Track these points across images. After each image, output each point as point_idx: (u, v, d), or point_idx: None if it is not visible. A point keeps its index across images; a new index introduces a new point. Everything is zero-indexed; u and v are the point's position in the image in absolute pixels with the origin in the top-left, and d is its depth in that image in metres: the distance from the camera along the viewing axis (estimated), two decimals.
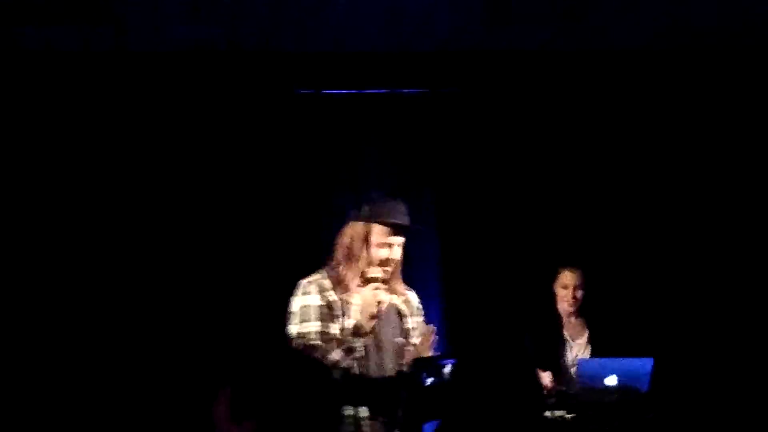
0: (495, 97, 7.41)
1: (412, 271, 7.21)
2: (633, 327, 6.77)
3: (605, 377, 5.92)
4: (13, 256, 6.96)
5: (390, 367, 5.01)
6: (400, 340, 5.08)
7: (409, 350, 5.06)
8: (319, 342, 4.82)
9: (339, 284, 4.95)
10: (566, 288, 6.59)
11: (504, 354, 3.51)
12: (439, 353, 5.02)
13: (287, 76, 7.21)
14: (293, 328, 4.91)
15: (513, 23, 6.65)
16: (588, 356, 6.57)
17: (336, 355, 4.79)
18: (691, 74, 7.39)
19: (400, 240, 4.98)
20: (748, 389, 7.11)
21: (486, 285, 7.31)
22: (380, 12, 6.41)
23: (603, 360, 6.09)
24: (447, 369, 4.72)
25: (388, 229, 4.93)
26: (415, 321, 5.17)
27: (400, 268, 5.07)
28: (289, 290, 5.03)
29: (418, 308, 5.20)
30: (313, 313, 4.89)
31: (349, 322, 4.90)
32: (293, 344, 4.81)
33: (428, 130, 7.40)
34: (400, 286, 5.11)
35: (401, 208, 4.99)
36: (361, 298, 4.88)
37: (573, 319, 6.65)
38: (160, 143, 7.16)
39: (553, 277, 6.68)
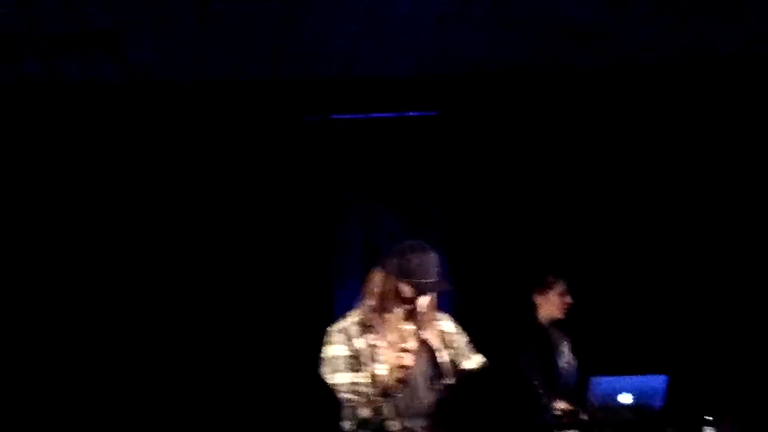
0: (499, 118, 7.46)
1: None
2: (612, 336, 6.88)
3: (618, 395, 5.90)
4: None
5: (424, 402, 4.97)
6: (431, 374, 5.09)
7: (442, 385, 5.06)
8: (350, 396, 4.84)
9: (369, 329, 4.94)
10: (563, 295, 6.62)
11: (505, 375, 3.51)
12: None
13: (294, 103, 7.25)
14: (326, 376, 4.93)
15: (513, 43, 6.69)
16: (574, 362, 6.58)
17: (366, 413, 4.83)
18: (672, 90, 7.40)
19: (430, 295, 4.96)
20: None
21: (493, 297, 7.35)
22: (386, 36, 6.44)
23: (616, 378, 6.06)
24: None
25: (420, 290, 4.89)
26: (453, 350, 5.11)
27: (434, 305, 5.04)
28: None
29: (454, 333, 5.12)
30: (342, 364, 4.89)
31: (379, 368, 4.91)
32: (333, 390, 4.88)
33: (435, 153, 7.45)
34: (433, 319, 5.09)
35: (432, 264, 4.93)
36: (387, 361, 4.88)
37: (553, 327, 6.68)
38: (170, 174, 7.23)
39: (534, 287, 6.70)
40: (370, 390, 4.86)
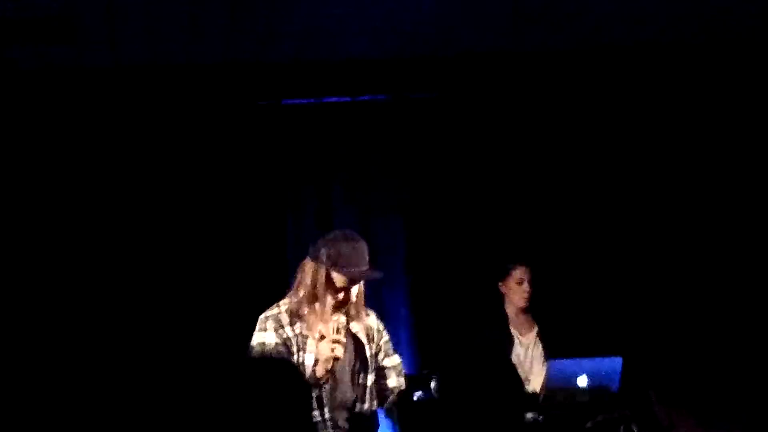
0: (453, 101, 7.45)
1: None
2: (581, 321, 6.91)
3: (576, 377, 5.94)
4: None
5: (347, 394, 5.05)
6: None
7: (367, 378, 5.12)
8: None
9: (299, 318, 4.98)
10: (521, 283, 6.66)
11: (488, 361, 3.56)
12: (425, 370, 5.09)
13: (248, 88, 7.19)
14: None
15: (470, 25, 6.68)
16: (540, 352, 6.61)
17: None
18: (656, 71, 7.41)
19: (358, 284, 5.01)
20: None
21: (451, 288, 7.35)
22: (341, 20, 6.41)
23: (573, 360, 6.10)
24: (433, 384, 4.78)
25: (348, 279, 4.93)
26: (376, 345, 5.18)
27: (362, 296, 5.09)
28: (254, 310, 5.09)
29: (378, 330, 5.19)
30: (270, 352, 4.92)
31: (307, 358, 4.93)
32: None
33: (392, 136, 7.44)
34: (361, 313, 5.12)
35: (363, 253, 4.97)
36: (318, 350, 4.91)
37: (520, 315, 6.71)
38: (122, 161, 7.15)
39: (499, 276, 6.72)
40: None
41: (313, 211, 7.30)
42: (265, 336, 4.95)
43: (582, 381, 5.96)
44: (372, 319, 5.19)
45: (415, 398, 5.57)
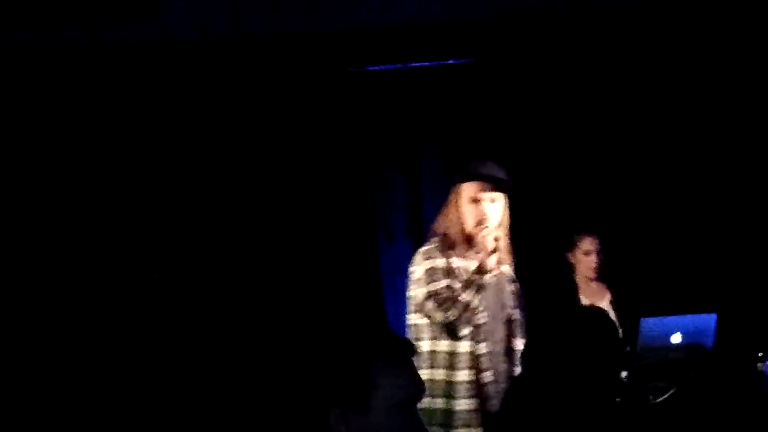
0: (536, 63, 7.35)
1: None
2: (656, 285, 6.92)
3: (670, 335, 5.90)
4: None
5: (501, 336, 5.20)
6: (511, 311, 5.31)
7: (517, 320, 5.28)
8: (447, 293, 5.03)
9: (447, 249, 5.16)
10: (588, 254, 6.61)
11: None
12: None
13: (334, 56, 7.21)
14: (421, 290, 5.10)
15: None
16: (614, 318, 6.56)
17: (467, 295, 5.02)
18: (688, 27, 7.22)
19: (491, 195, 5.15)
20: None
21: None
22: None
23: (666, 318, 6.05)
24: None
25: (478, 185, 5.13)
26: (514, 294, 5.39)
27: (507, 236, 5.24)
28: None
29: (514, 279, 5.40)
30: (442, 273, 5.09)
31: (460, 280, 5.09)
32: (424, 305, 5.05)
33: (477, 99, 7.39)
34: (505, 258, 5.28)
35: (493, 165, 5.19)
36: (482, 245, 5.08)
37: (591, 284, 6.66)
38: (213, 132, 7.24)
39: (567, 246, 6.69)
40: (455, 285, 5.05)
41: (401, 179, 7.34)
42: (434, 262, 5.12)
43: (676, 338, 5.91)
44: (507, 268, 5.35)
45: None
